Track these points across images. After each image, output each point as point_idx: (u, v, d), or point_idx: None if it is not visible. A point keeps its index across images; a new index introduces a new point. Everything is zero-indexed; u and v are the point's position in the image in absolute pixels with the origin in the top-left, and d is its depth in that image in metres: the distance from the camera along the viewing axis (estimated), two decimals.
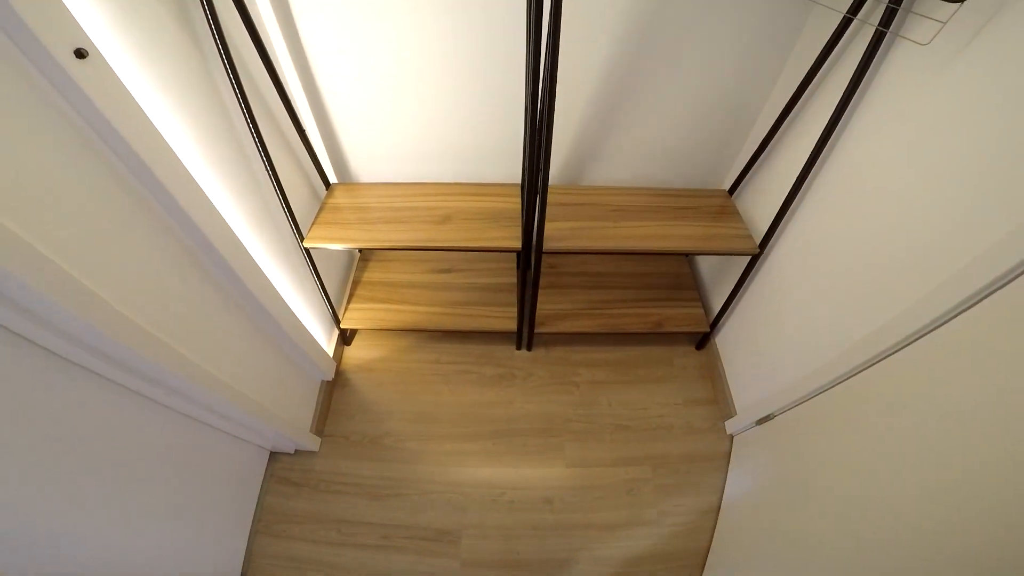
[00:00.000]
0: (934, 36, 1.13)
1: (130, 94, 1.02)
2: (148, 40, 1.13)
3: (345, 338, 2.38)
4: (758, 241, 1.79)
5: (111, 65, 0.97)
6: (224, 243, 1.32)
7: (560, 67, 1.24)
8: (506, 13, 1.52)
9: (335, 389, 2.23)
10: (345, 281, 2.42)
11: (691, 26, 1.58)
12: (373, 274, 2.45)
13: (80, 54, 0.91)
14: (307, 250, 1.83)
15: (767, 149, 1.80)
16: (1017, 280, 0.92)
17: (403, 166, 2.02)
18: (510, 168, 2.00)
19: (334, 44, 1.61)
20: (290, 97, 1.66)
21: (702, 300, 2.38)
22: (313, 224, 1.87)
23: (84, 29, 0.93)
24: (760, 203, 1.87)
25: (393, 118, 1.84)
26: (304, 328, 1.85)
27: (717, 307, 2.19)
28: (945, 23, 1.09)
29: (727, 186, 2.06)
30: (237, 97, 1.33)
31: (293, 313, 1.75)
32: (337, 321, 2.23)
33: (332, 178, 2.07)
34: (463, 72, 1.69)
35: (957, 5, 1.06)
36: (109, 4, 1.03)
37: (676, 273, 2.50)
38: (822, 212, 1.54)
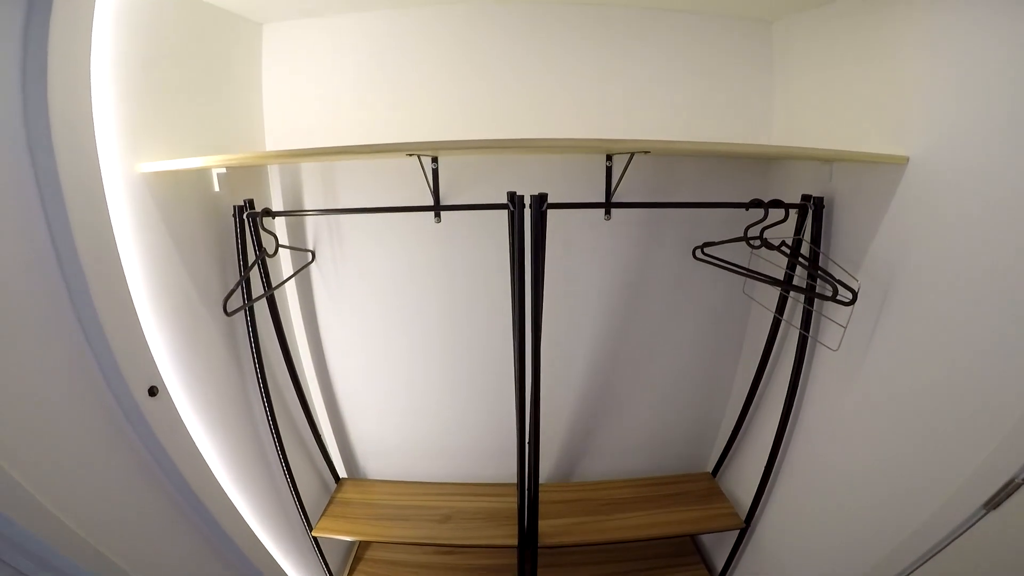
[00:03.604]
0: (840, 341, 1.41)
1: (185, 427, 1.26)
2: (203, 368, 1.43)
3: None
4: (743, 516, 1.88)
5: (174, 401, 1.23)
6: (244, 541, 1.48)
7: (545, 381, 1.51)
8: (500, 337, 1.88)
9: None
10: (346, 560, 2.40)
11: (656, 334, 1.96)
12: (376, 552, 2.44)
13: (152, 392, 1.15)
14: (315, 539, 1.92)
15: (740, 432, 2.00)
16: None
17: (407, 463, 2.18)
18: (507, 467, 2.18)
19: (353, 369, 1.96)
20: (311, 408, 1.95)
21: (704, 562, 2.33)
22: (323, 516, 1.98)
23: (158, 367, 1.19)
24: (742, 480, 1.99)
25: (399, 422, 2.10)
26: None
27: (720, 565, 2.16)
28: (846, 327, 1.38)
29: (710, 468, 2.20)
30: (267, 414, 1.63)
31: None
32: None
33: (342, 472, 2.24)
34: (462, 386, 2.01)
35: (850, 308, 1.34)
36: (179, 343, 1.34)
37: (678, 541, 2.48)
38: (797, 480, 1.68)
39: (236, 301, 1.48)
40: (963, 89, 1.18)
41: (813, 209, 1.47)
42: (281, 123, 1.75)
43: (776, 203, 1.42)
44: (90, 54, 1.09)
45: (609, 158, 1.64)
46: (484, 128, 1.72)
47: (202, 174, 1.46)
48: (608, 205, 1.34)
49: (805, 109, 1.69)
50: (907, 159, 1.31)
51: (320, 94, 1.73)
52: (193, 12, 1.44)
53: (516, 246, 1.39)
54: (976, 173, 1.13)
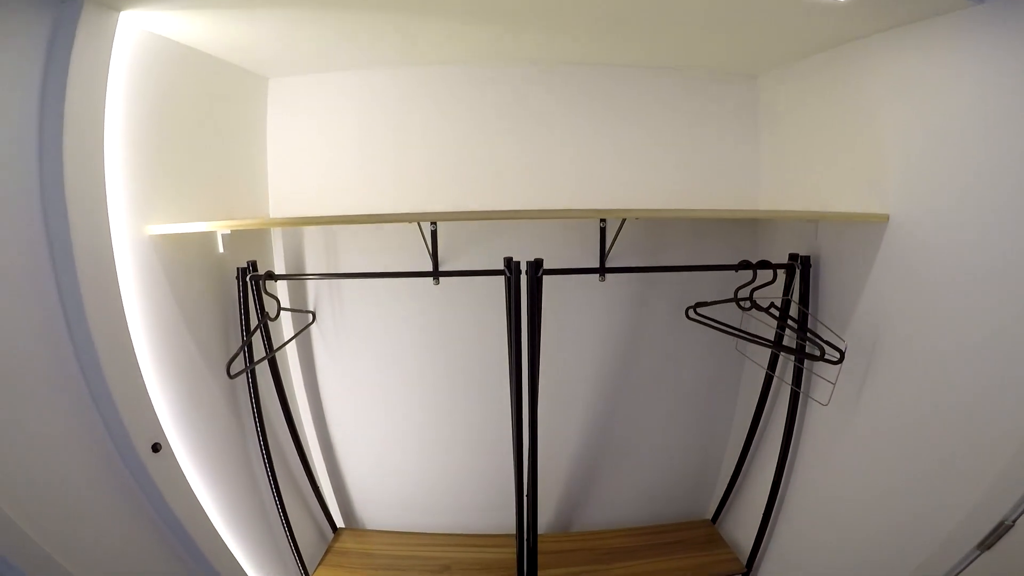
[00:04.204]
0: (830, 396, 1.44)
1: (187, 481, 1.28)
2: (205, 425, 1.45)
3: None
4: (744, 561, 1.88)
5: (177, 456, 1.26)
6: None
7: (542, 432, 1.54)
8: (497, 391, 1.90)
9: None
10: None
11: (651, 387, 1.98)
12: None
13: (155, 448, 1.18)
14: None
15: (738, 480, 2.00)
16: None
17: (405, 514, 2.17)
18: (506, 518, 2.16)
19: (351, 422, 1.98)
20: (310, 460, 1.96)
21: None
22: (320, 565, 1.97)
23: (161, 424, 1.22)
24: (741, 526, 1.98)
25: (397, 472, 2.10)
26: None
27: None
28: (835, 383, 1.41)
29: (710, 515, 2.20)
30: (266, 468, 1.64)
31: None
32: None
33: (340, 523, 2.23)
34: (460, 439, 2.01)
35: (838, 367, 1.37)
36: (180, 399, 1.36)
37: None
38: (795, 525, 1.70)
39: (238, 364, 1.50)
40: (934, 142, 1.24)
41: (800, 269, 1.52)
42: (285, 180, 1.81)
43: (764, 264, 1.47)
44: (104, 115, 1.14)
45: (603, 220, 1.69)
46: (482, 186, 1.79)
47: (207, 235, 1.50)
48: (602, 270, 1.39)
49: (791, 165, 1.75)
50: (887, 217, 1.37)
51: (322, 148, 1.80)
52: (204, 66, 1.51)
53: (513, 310, 1.43)
54: (951, 229, 1.19)
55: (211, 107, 1.56)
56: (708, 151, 1.83)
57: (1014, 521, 1.04)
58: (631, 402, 2.01)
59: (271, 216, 1.82)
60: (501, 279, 1.48)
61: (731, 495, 2.06)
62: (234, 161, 1.68)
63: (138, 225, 1.27)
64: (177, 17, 1.25)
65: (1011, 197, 1.07)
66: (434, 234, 1.64)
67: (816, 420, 1.62)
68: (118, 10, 1.15)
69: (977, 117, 1.14)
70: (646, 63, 1.79)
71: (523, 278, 1.40)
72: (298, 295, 1.87)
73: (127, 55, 1.22)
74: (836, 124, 1.56)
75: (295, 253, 1.84)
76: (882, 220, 1.37)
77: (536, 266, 1.37)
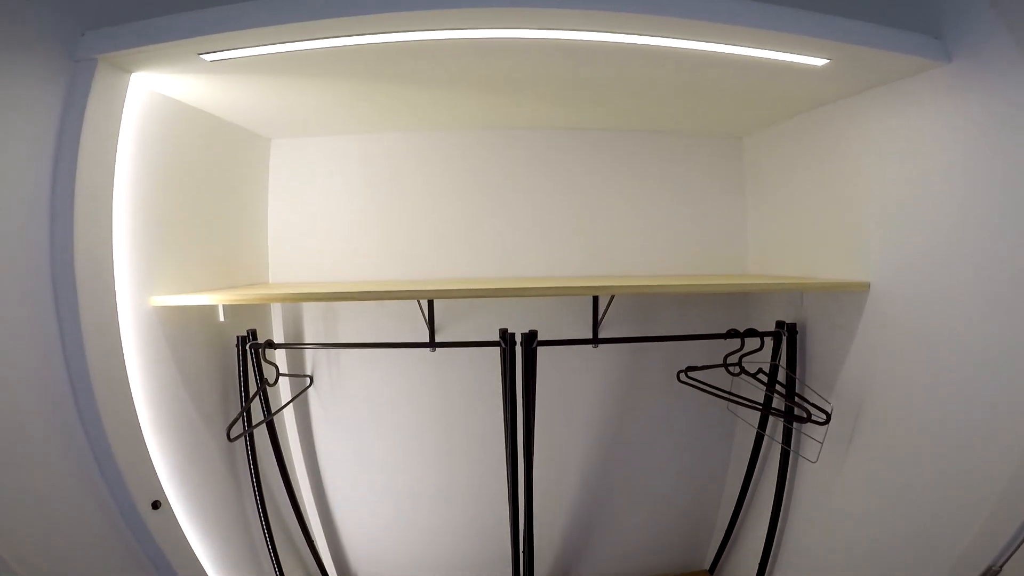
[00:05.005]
0: (818, 454, 1.48)
1: (186, 538, 1.30)
2: (203, 484, 1.46)
3: None
4: None
5: (176, 513, 1.28)
6: None
7: (538, 487, 1.55)
8: (493, 451, 1.91)
9: None
10: None
11: (646, 444, 2.01)
12: None
13: (155, 506, 1.20)
14: None
15: (734, 531, 2.02)
16: None
17: (401, 571, 2.13)
18: (502, 574, 2.17)
19: (347, 477, 1.99)
20: (306, 519, 1.96)
21: None
22: None
23: (162, 483, 1.24)
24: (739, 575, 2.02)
25: (393, 530, 2.08)
26: None
27: None
28: (822, 442, 1.45)
29: (707, 565, 2.22)
30: (263, 527, 1.66)
31: None
32: None
33: None
34: (457, 499, 2.01)
35: (825, 428, 1.42)
36: (180, 459, 1.37)
37: None
38: (793, 572, 1.70)
39: (237, 428, 1.53)
40: (911, 206, 1.31)
41: (787, 335, 1.57)
42: (284, 244, 1.87)
43: (751, 332, 1.51)
44: (113, 180, 1.18)
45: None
46: (480, 251, 1.85)
47: (208, 305, 1.53)
48: (595, 341, 1.43)
49: (777, 227, 1.82)
50: (868, 285, 1.42)
51: (322, 211, 1.86)
52: (208, 126, 1.57)
53: (508, 380, 1.46)
54: (928, 299, 1.26)
55: (214, 168, 1.61)
56: (697, 214, 1.90)
57: (1001, 566, 1.10)
58: (626, 459, 2.03)
59: (271, 281, 1.87)
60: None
61: (728, 545, 2.06)
62: (236, 224, 1.73)
63: (142, 296, 1.30)
64: (184, 79, 1.30)
65: (980, 266, 1.14)
66: (431, 304, 1.68)
67: (807, 476, 1.65)
68: (129, 72, 1.20)
69: (950, 178, 1.20)
70: (636, 127, 1.87)
71: (518, 349, 1.43)
72: (296, 359, 1.90)
73: (134, 115, 1.26)
74: (817, 187, 1.63)
75: (294, 320, 1.88)
76: (863, 288, 1.42)
77: (530, 338, 1.41)
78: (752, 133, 1.93)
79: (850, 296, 1.48)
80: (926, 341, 1.26)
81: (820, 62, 1.22)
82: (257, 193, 1.83)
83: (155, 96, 1.33)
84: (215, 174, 1.62)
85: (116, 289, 1.19)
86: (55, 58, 1.08)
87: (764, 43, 1.14)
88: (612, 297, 1.59)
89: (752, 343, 1.52)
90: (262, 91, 1.42)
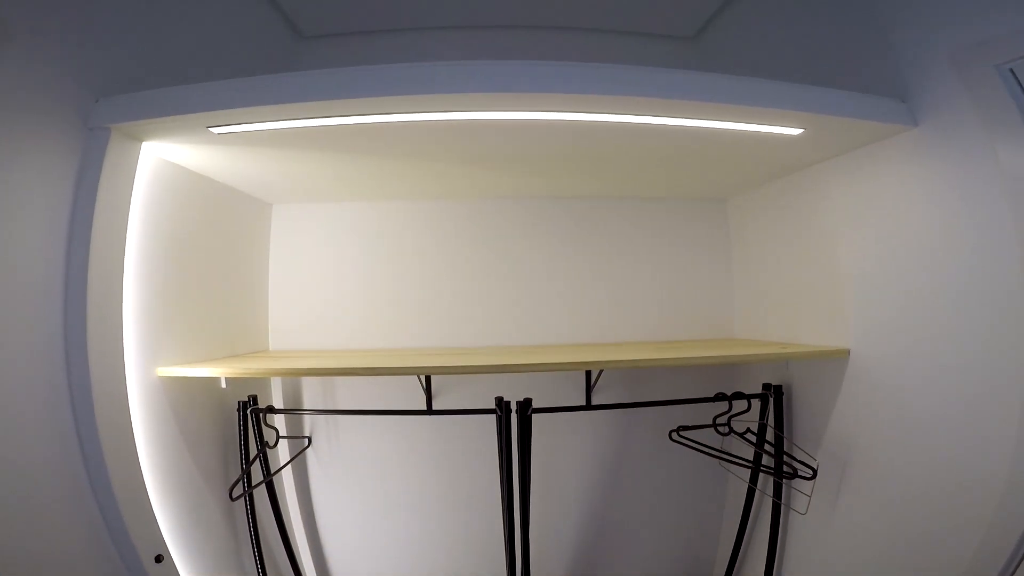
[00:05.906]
0: (807, 506, 1.52)
1: None
2: (204, 540, 1.49)
3: None
4: None
5: (178, 567, 1.31)
6: None
7: (534, 550, 1.57)
8: (489, 509, 1.93)
9: None
10: None
11: (640, 498, 2.03)
12: None
13: (158, 559, 1.23)
14: None
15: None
16: None
17: None
18: None
19: (345, 534, 2.00)
20: (302, 573, 1.98)
21: None
22: None
23: (164, 538, 1.27)
24: None
25: None
26: None
27: None
28: (811, 496, 1.50)
29: None
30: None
31: None
32: None
33: None
34: (457, 557, 2.01)
35: (812, 482, 1.47)
36: (183, 517, 1.40)
37: None
38: None
39: (238, 488, 1.56)
40: (885, 272, 1.36)
41: (773, 397, 1.62)
42: (284, 309, 1.92)
43: (738, 395, 1.56)
44: (124, 250, 1.21)
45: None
46: (476, 319, 1.93)
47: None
48: (588, 407, 1.48)
49: (762, 290, 1.88)
50: (847, 352, 1.47)
51: (321, 277, 1.91)
52: (211, 191, 1.61)
53: (504, 445, 1.50)
54: (903, 368, 1.32)
55: (218, 233, 1.66)
56: (685, 278, 1.98)
57: None
58: (621, 517, 2.05)
59: (271, 347, 1.92)
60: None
61: None
62: (239, 290, 1.77)
63: (148, 367, 1.34)
64: (191, 148, 1.34)
65: (951, 328, 1.19)
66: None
67: (798, 527, 1.68)
68: (141, 140, 1.24)
69: (922, 243, 1.25)
70: (623, 195, 1.94)
71: (513, 417, 1.47)
72: (295, 420, 1.94)
73: (142, 182, 1.29)
74: (799, 251, 1.69)
75: (293, 386, 1.92)
76: (843, 355, 1.48)
77: (525, 405, 1.46)
78: (736, 196, 1.99)
79: (832, 362, 1.53)
80: (902, 400, 1.32)
81: (795, 131, 1.27)
82: (259, 258, 1.88)
83: (161, 163, 1.38)
84: (219, 240, 1.66)
85: (125, 359, 1.22)
86: (70, 125, 1.10)
87: (742, 118, 1.20)
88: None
89: (740, 405, 1.57)
90: (266, 161, 1.48)
